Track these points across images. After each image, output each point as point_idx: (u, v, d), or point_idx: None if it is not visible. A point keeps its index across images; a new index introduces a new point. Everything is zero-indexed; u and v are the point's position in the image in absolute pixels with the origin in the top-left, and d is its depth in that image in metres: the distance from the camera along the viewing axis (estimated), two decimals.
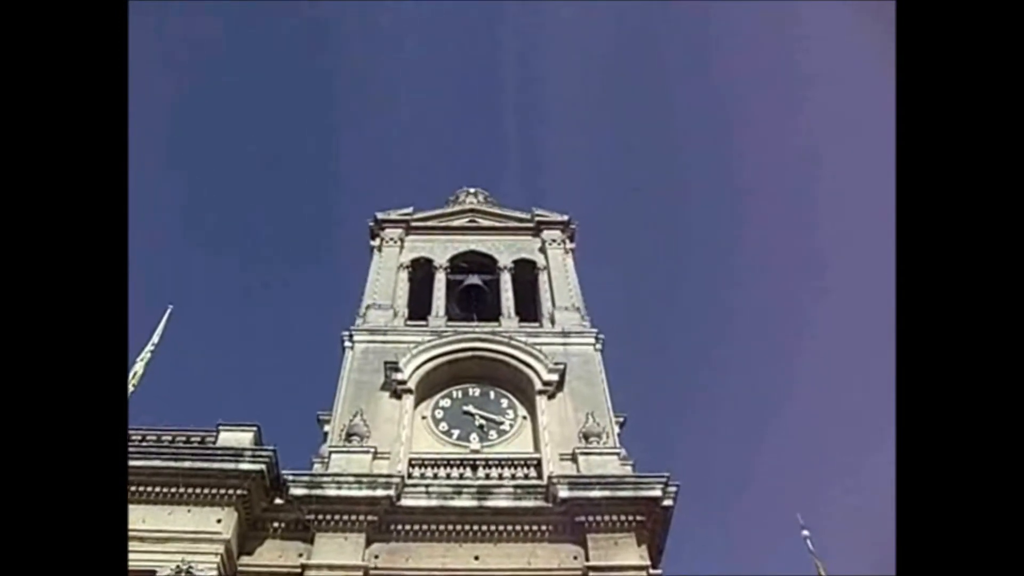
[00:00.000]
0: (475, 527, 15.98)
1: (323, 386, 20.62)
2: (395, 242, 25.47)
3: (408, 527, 16.00)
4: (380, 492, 16.07)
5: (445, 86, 75.17)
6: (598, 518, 15.89)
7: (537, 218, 26.43)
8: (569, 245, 25.75)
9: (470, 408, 19.26)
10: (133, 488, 14.72)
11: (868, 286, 46.88)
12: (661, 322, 63.86)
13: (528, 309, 23.41)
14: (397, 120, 71.26)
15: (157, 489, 15.68)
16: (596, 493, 16.13)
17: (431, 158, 68.81)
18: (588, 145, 69.36)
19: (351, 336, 21.02)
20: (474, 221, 26.85)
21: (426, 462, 17.55)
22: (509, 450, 18.19)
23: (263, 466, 16.13)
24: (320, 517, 15.89)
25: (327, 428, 18.90)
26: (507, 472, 17.30)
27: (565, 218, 26.49)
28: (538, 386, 19.25)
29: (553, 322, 22.10)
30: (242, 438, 16.93)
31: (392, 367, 19.35)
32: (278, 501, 16.34)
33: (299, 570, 15.36)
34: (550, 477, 16.52)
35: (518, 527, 16.01)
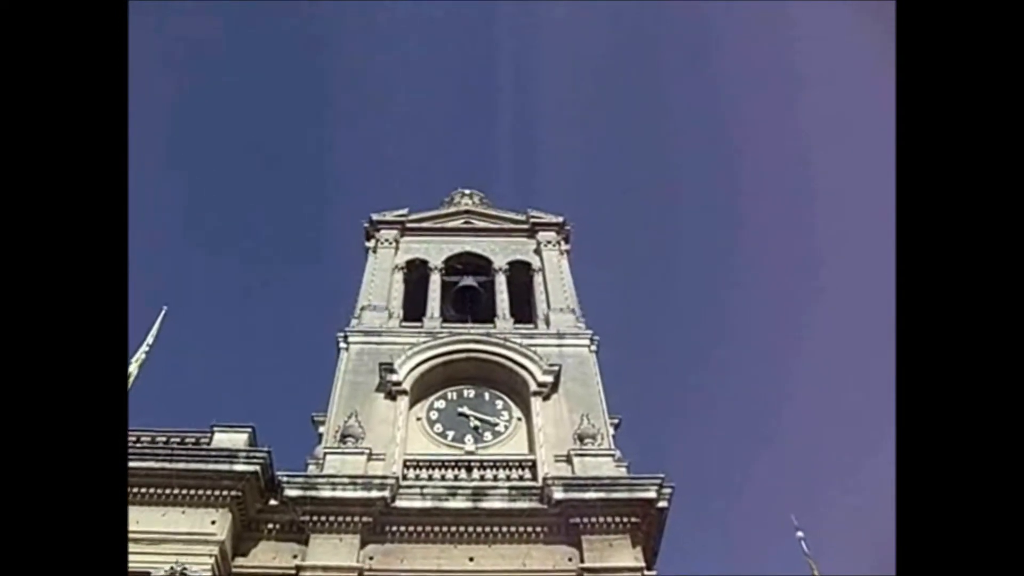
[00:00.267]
0: (470, 528, 15.98)
1: (318, 387, 20.63)
2: (390, 243, 25.45)
3: (403, 528, 15.99)
4: (375, 493, 16.05)
5: (440, 86, 75.20)
6: (593, 520, 15.90)
7: (532, 220, 26.42)
8: (564, 246, 25.75)
9: (465, 409, 19.24)
10: (128, 489, 14.67)
11: (865, 287, 47.17)
12: (656, 323, 64.02)
13: (523, 311, 23.42)
14: (392, 120, 71.38)
15: (151, 490, 15.64)
16: (591, 495, 16.14)
17: (426, 158, 68.88)
18: (583, 146, 69.46)
19: (346, 337, 20.99)
20: (469, 223, 26.83)
21: (421, 463, 17.55)
22: (504, 452, 18.19)
23: (258, 467, 16.10)
24: (315, 518, 15.87)
25: (322, 429, 18.85)
26: (502, 474, 17.30)
27: (560, 220, 26.50)
28: (533, 387, 19.25)
29: (548, 324, 22.10)
30: (237, 439, 16.91)
31: (387, 368, 19.33)
32: (273, 502, 16.31)
33: (294, 571, 15.34)
34: (545, 479, 16.52)
35: (513, 529, 16.01)
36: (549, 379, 19.35)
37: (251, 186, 69.42)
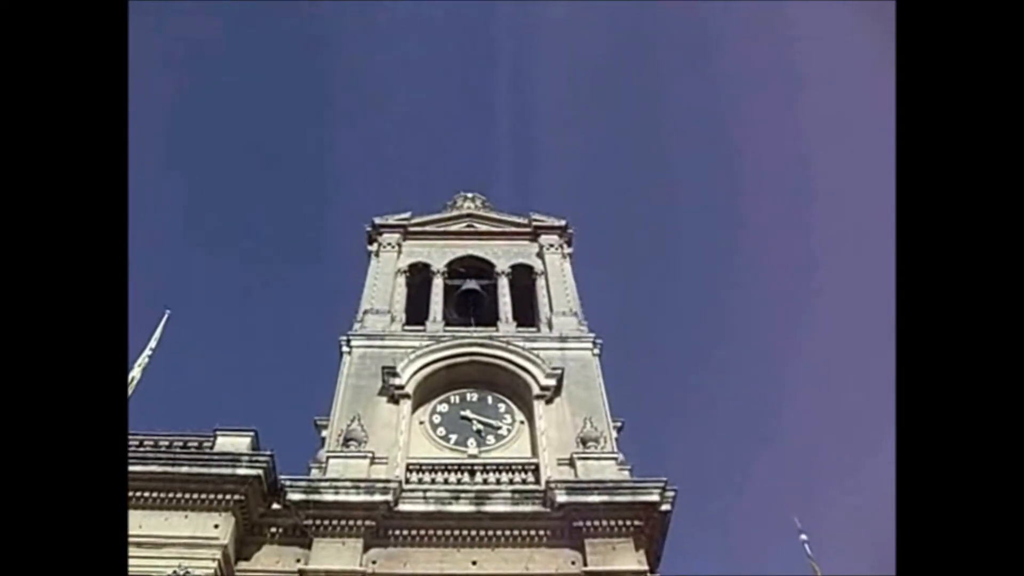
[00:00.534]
0: (473, 532, 15.95)
1: (321, 391, 20.65)
2: (393, 247, 25.47)
3: (406, 532, 15.96)
4: (378, 497, 16.03)
5: (439, 87, 75.35)
6: (596, 523, 15.86)
7: (535, 223, 26.43)
8: (567, 250, 25.75)
9: (468, 413, 19.23)
10: (130, 493, 14.66)
11: (865, 287, 47.10)
12: (657, 325, 63.85)
13: (526, 314, 23.39)
14: (392, 120, 71.38)
15: (154, 494, 15.67)
16: (594, 498, 16.10)
17: (425, 158, 68.99)
18: (582, 146, 69.45)
19: (349, 341, 20.99)
20: (472, 226, 26.85)
21: (424, 467, 17.53)
22: (507, 455, 18.15)
23: (260, 471, 16.10)
24: (318, 522, 15.86)
25: (325, 433, 18.84)
26: (505, 477, 17.26)
27: (563, 223, 26.51)
28: (536, 391, 19.23)
29: (551, 327, 22.09)
30: (239, 443, 16.91)
31: (390, 372, 19.33)
32: (276, 506, 16.31)
33: (297, 575, 15.32)
34: (548, 482, 16.49)
35: (516, 532, 15.97)
36: (552, 382, 19.33)
37: (251, 186, 69.52)
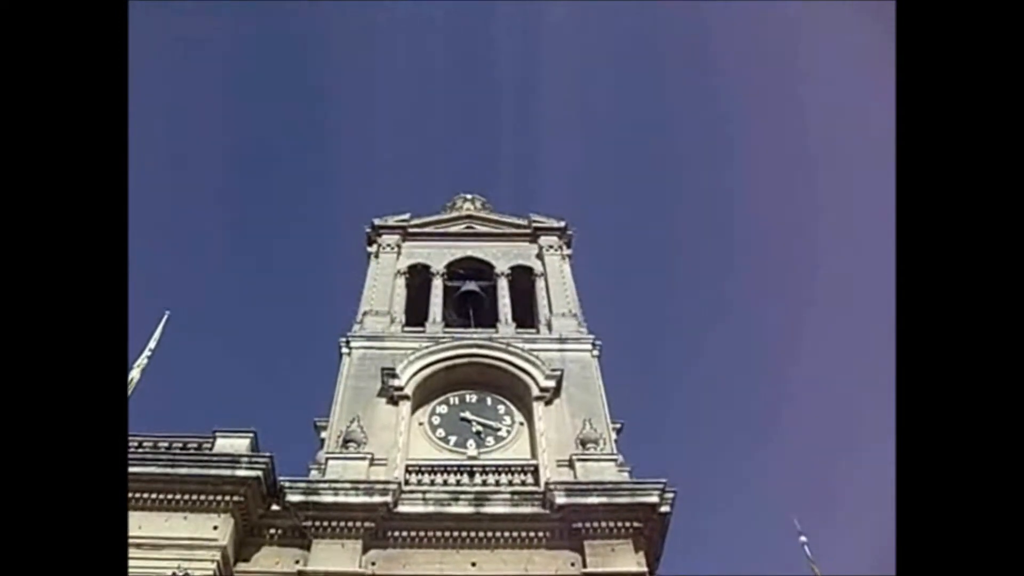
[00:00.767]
0: (472, 533, 15.93)
1: (320, 392, 20.62)
2: (392, 248, 25.47)
3: (405, 533, 15.95)
4: (377, 499, 16.02)
5: (440, 87, 75.25)
6: (595, 524, 15.85)
7: (534, 224, 26.44)
8: (566, 251, 25.75)
9: (467, 414, 19.23)
10: (129, 495, 14.63)
11: (865, 288, 47.10)
12: (658, 327, 63.86)
13: (525, 315, 23.39)
14: (393, 121, 71.18)
15: (153, 496, 15.64)
16: (593, 499, 16.10)
17: (425, 158, 68.87)
18: (583, 147, 69.46)
19: (348, 342, 20.99)
20: (471, 227, 26.85)
21: (423, 468, 17.51)
22: (506, 456, 18.14)
23: (260, 472, 16.08)
24: (317, 524, 15.85)
25: (324, 434, 18.85)
26: (504, 478, 17.25)
27: (562, 224, 26.51)
28: (535, 392, 19.22)
29: (550, 328, 22.09)
30: (238, 444, 16.90)
31: (389, 373, 19.32)
32: (275, 508, 16.29)
33: None
34: (547, 483, 16.49)
35: (515, 533, 15.96)
36: (551, 384, 19.33)
37: (251, 187, 69.42)
